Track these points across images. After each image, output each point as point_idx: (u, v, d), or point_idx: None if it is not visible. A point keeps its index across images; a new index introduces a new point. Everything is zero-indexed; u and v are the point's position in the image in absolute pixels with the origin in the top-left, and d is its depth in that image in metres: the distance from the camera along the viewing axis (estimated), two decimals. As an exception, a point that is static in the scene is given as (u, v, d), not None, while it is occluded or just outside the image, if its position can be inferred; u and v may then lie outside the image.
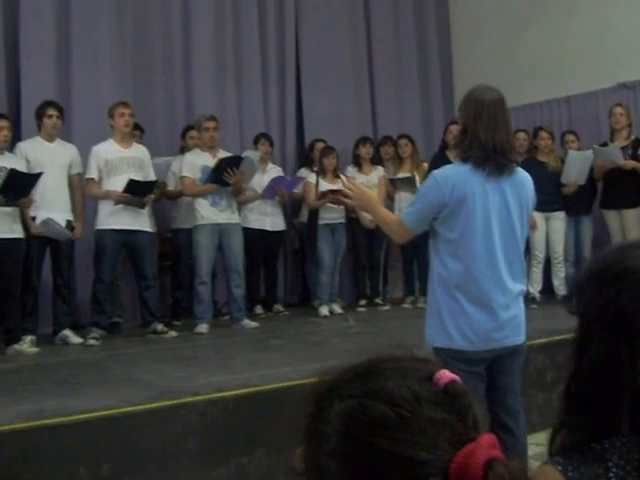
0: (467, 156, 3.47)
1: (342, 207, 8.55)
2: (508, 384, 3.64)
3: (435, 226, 3.52)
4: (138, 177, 7.12)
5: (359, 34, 10.58)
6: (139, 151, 7.34)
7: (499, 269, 3.47)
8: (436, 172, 3.53)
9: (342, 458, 0.99)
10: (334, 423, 1.01)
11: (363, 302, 8.91)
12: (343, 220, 8.66)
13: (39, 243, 6.85)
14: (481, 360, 3.49)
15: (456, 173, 3.47)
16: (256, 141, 8.70)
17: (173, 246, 8.27)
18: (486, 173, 3.43)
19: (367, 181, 8.64)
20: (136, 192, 7.02)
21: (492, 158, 3.43)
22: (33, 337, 6.69)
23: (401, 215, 3.67)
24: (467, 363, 3.35)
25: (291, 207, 9.12)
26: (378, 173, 8.86)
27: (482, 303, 3.45)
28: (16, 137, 7.16)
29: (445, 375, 1.02)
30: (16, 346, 6.51)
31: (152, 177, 7.32)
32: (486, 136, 3.42)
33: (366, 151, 8.92)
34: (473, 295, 3.45)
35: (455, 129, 7.25)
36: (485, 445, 0.96)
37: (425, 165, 8.66)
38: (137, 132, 7.77)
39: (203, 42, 9.19)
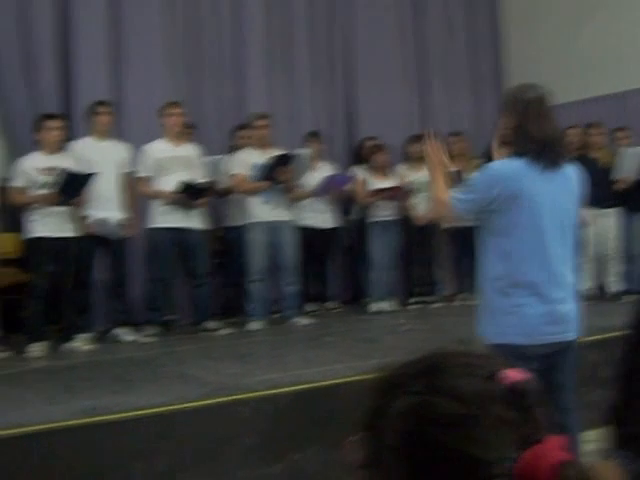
0: (520, 152, 3.47)
1: (394, 204, 8.54)
2: (562, 381, 3.61)
3: (487, 221, 3.53)
4: (188, 176, 7.17)
5: (409, 31, 10.53)
6: (190, 150, 7.41)
7: (552, 264, 3.46)
8: (490, 166, 3.55)
9: (404, 455, 0.97)
10: (397, 419, 0.99)
11: (414, 299, 8.89)
12: (394, 217, 8.64)
13: (92, 242, 6.95)
14: (536, 356, 3.46)
15: (509, 168, 3.47)
16: (307, 139, 8.72)
17: (225, 244, 8.32)
18: (539, 169, 3.44)
19: (418, 179, 8.62)
20: (190, 194, 7.09)
21: (545, 154, 3.44)
22: (87, 335, 6.79)
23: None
24: (522, 359, 3.32)
25: (343, 204, 9.12)
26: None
27: (536, 298, 3.44)
28: (69, 137, 7.26)
29: (512, 373, 1.00)
30: (71, 343, 6.61)
31: (203, 176, 7.38)
32: (538, 132, 3.44)
33: (418, 149, 8.88)
34: (527, 290, 3.44)
35: (500, 128, 7.20)
36: (554, 447, 0.94)
37: (476, 162, 8.60)
38: (189, 130, 7.83)
39: (253, 40, 9.22)
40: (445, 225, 8.74)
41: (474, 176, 3.68)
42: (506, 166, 3.50)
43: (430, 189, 3.84)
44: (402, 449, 0.97)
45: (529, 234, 3.44)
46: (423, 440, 0.96)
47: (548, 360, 3.52)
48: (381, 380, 1.05)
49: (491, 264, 3.53)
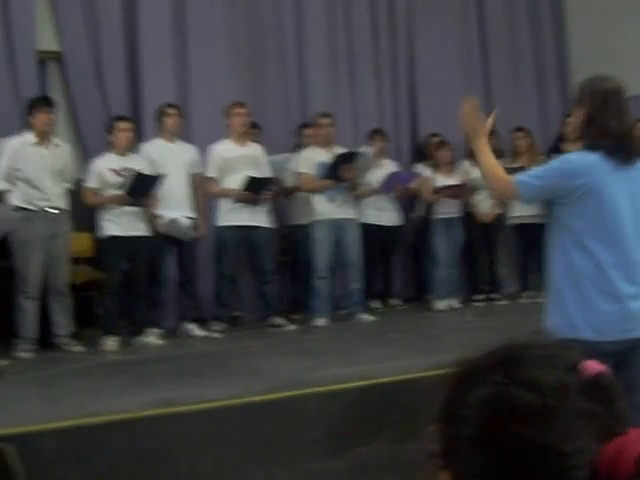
0: (595, 145, 3.39)
1: (458, 201, 8.55)
2: (634, 380, 3.51)
3: (560, 215, 3.44)
4: (255, 175, 7.30)
5: (471, 26, 10.49)
6: (255, 149, 7.52)
7: (625, 260, 3.39)
8: (565, 157, 3.48)
9: (482, 445, 0.96)
10: (475, 409, 0.98)
11: (479, 297, 8.88)
12: (459, 214, 8.63)
13: (162, 240, 7.11)
14: (607, 353, 3.37)
15: (585, 161, 3.38)
16: (370, 136, 8.76)
17: (291, 242, 8.42)
18: (615, 162, 3.35)
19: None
20: (254, 189, 7.21)
21: (621, 148, 3.37)
22: (158, 330, 6.96)
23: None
24: (592, 356, 3.27)
25: (407, 202, 9.14)
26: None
27: (609, 293, 3.37)
28: (138, 139, 7.44)
29: (593, 365, 0.99)
30: (142, 338, 6.79)
31: (268, 175, 7.49)
32: (615, 125, 3.35)
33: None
34: (599, 285, 3.37)
35: (573, 121, 7.14)
36: (637, 439, 0.92)
37: (540, 158, 8.55)
38: (254, 130, 7.94)
39: (316, 39, 9.28)
40: (510, 222, 8.73)
41: (548, 165, 3.57)
42: (581, 159, 3.40)
43: (480, 163, 3.59)
44: (479, 439, 0.97)
45: (602, 229, 3.37)
46: (501, 430, 0.95)
47: (619, 358, 3.43)
48: (459, 371, 1.04)
49: (561, 258, 3.46)
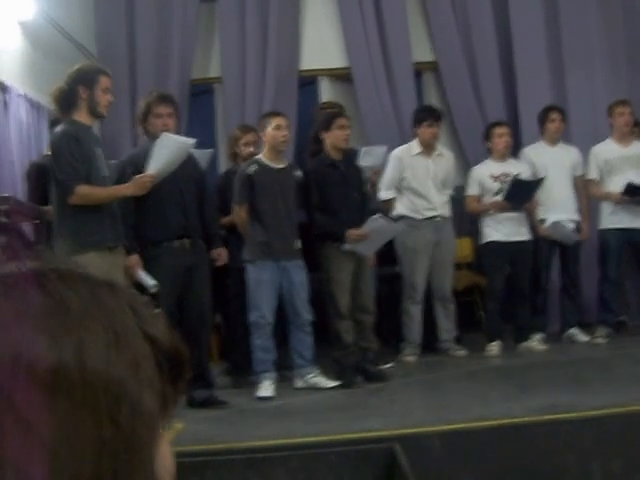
0: None
1: None
2: None
3: None
4: (638, 176, 7.02)
5: None
6: (639, 149, 7.24)
7: None
8: None
9: None
10: None
11: None
12: None
13: (547, 244, 7.09)
14: None
15: None
16: None
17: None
18: None
19: None
20: (635, 194, 6.93)
21: None
22: (542, 335, 6.95)
23: None
24: None
25: None
26: None
27: None
28: (516, 144, 7.48)
29: None
30: (526, 343, 6.82)
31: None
32: None
33: None
34: None
35: None
36: None
37: None
38: (637, 129, 7.63)
39: None
40: None
41: None
42: None
43: None
44: None
45: None
46: None
47: None
48: None
49: None
